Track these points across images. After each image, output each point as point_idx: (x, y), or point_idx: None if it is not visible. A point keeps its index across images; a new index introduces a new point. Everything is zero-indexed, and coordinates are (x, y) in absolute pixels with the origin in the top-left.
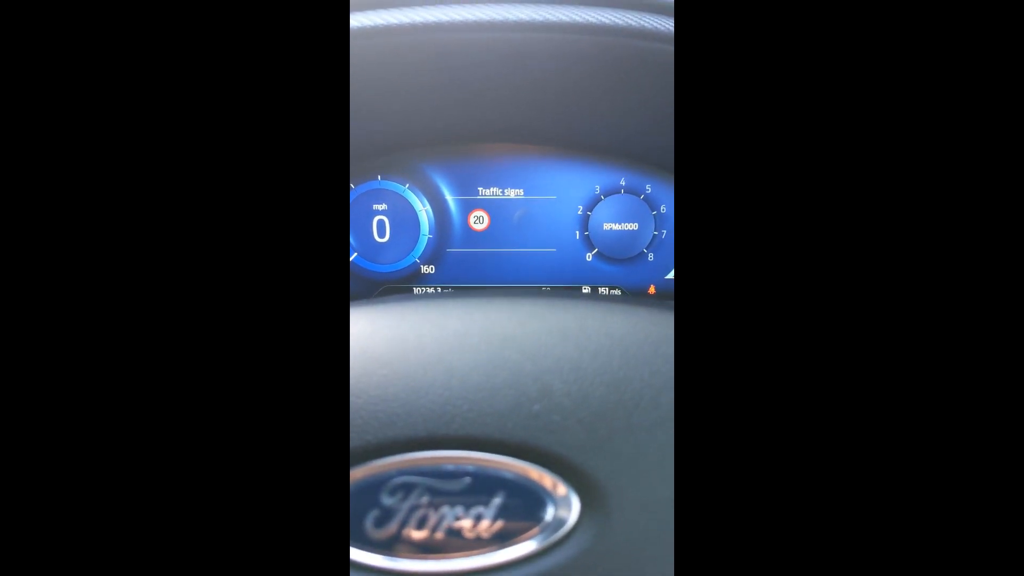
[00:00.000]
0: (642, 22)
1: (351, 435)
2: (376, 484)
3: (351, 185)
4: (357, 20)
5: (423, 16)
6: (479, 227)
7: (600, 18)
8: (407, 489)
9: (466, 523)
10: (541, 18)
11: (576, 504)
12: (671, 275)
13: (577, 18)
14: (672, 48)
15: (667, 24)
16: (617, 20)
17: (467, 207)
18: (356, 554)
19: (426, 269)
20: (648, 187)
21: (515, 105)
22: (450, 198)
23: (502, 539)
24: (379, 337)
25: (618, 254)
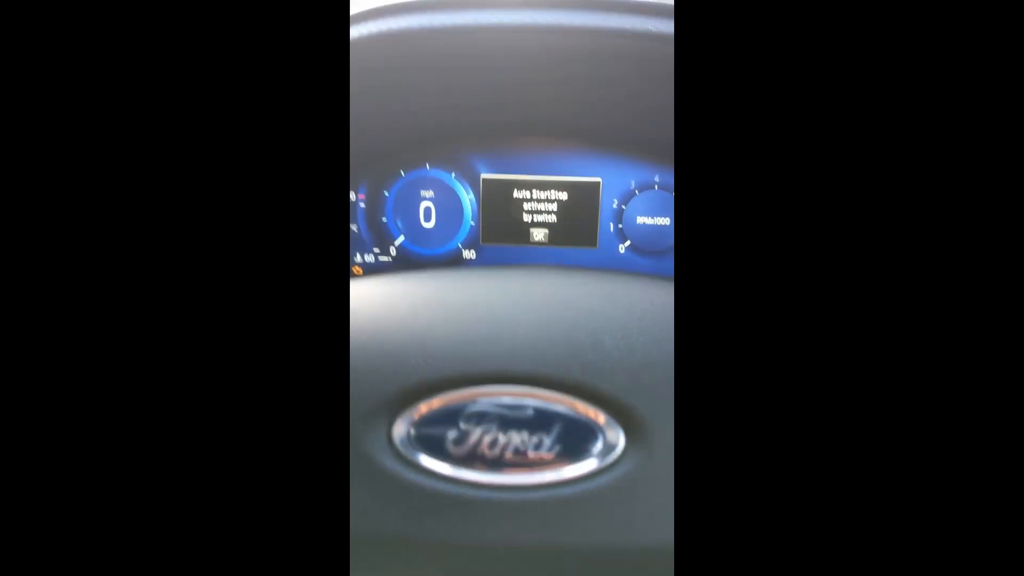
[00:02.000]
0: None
1: (436, 368)
2: (456, 411)
3: (401, 172)
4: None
5: (472, 18)
6: None
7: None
8: (481, 416)
9: (529, 447)
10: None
11: (622, 437)
12: None
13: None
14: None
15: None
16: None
17: None
18: (437, 465)
19: (467, 254)
20: None
21: (557, 101)
22: None
23: (560, 461)
24: (457, 294)
25: (650, 247)
